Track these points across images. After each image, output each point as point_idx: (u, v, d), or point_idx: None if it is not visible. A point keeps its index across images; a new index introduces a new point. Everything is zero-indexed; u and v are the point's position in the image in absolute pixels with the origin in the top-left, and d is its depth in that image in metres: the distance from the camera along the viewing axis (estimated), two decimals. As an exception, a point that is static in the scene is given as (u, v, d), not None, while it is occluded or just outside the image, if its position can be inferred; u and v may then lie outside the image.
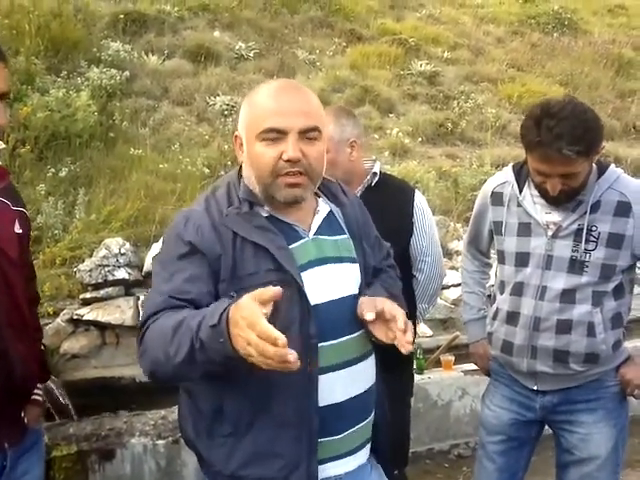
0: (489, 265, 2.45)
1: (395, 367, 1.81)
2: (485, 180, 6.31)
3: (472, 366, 3.92)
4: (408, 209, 2.31)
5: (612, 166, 2.04)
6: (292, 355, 1.08)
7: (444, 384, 3.76)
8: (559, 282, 2.00)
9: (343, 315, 1.48)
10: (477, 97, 8.78)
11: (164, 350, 1.26)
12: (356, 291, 1.52)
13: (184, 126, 6.22)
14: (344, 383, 1.47)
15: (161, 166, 5.36)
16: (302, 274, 1.41)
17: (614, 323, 2.03)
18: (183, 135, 6.05)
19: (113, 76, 6.34)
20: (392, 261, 1.76)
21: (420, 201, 2.34)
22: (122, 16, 7.65)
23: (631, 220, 1.95)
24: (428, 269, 2.37)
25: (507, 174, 2.16)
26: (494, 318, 2.18)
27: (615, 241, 1.96)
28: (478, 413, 3.64)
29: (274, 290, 1.12)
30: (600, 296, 1.99)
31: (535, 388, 2.13)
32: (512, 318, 2.10)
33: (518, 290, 2.08)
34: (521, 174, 2.10)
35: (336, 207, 1.58)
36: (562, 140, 1.79)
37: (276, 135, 1.40)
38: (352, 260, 1.54)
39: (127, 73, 6.57)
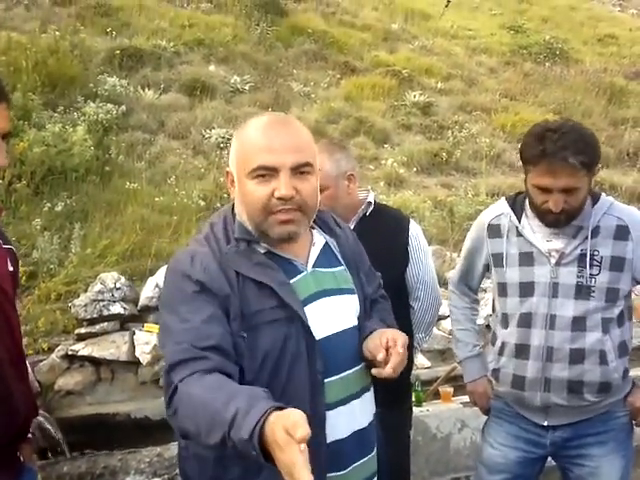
0: (477, 302, 2.42)
1: (395, 401, 1.80)
2: (481, 210, 6.31)
3: (471, 398, 3.91)
4: (403, 238, 2.31)
5: (603, 194, 2.07)
6: None
7: (443, 416, 3.70)
8: (568, 309, 1.98)
9: (346, 348, 1.47)
10: (471, 127, 8.87)
11: (196, 427, 1.23)
12: (356, 322, 1.52)
13: (180, 159, 6.26)
14: (348, 418, 1.46)
15: (157, 199, 5.38)
16: (305, 308, 1.41)
17: (621, 351, 2.02)
18: (179, 168, 6.08)
19: (109, 111, 6.39)
20: (383, 291, 1.75)
21: (415, 230, 2.34)
22: (118, 52, 7.75)
23: (630, 243, 1.97)
24: (424, 298, 2.36)
25: (502, 206, 2.15)
26: (500, 354, 2.13)
27: (617, 264, 1.96)
28: (478, 446, 3.61)
29: (304, 433, 1.05)
30: (608, 322, 1.98)
31: (545, 424, 2.09)
32: (522, 351, 2.06)
33: (525, 321, 2.04)
34: (516, 205, 2.10)
35: (331, 238, 1.57)
36: (567, 150, 1.82)
37: (267, 172, 1.38)
38: (350, 291, 1.53)
39: (123, 107, 6.63)
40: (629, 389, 2.08)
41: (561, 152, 1.83)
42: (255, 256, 1.42)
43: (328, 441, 1.41)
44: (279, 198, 1.37)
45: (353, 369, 1.48)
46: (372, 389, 1.56)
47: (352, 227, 2.27)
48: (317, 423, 1.36)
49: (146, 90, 7.40)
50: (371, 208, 2.31)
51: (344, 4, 12.04)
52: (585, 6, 18.15)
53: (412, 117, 8.79)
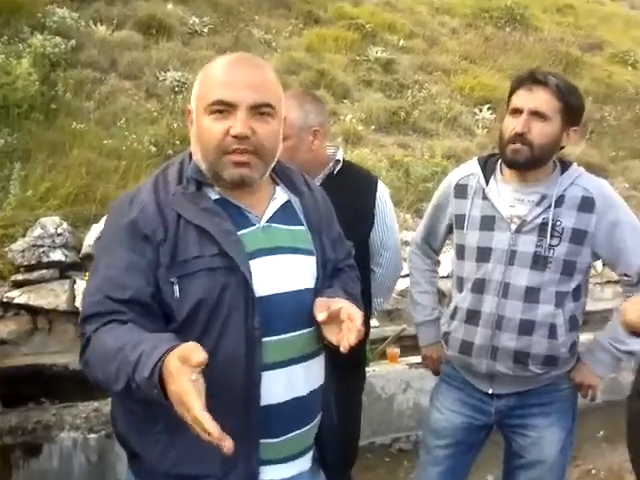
0: (439, 263, 2.40)
1: (348, 366, 1.76)
2: (437, 172, 6.25)
3: (417, 359, 3.95)
4: (370, 199, 2.22)
5: (574, 164, 2.04)
6: (227, 445, 1.04)
7: (389, 377, 3.74)
8: (522, 279, 1.95)
9: (293, 309, 1.39)
10: (430, 87, 8.80)
11: (104, 375, 1.23)
12: (311, 285, 1.44)
13: (132, 101, 5.97)
14: (287, 383, 1.39)
15: (105, 142, 5.12)
16: (250, 262, 1.33)
17: (572, 325, 2.02)
18: (130, 110, 5.79)
19: (58, 44, 6.02)
20: (352, 261, 1.67)
21: (382, 192, 2.26)
22: (68, -19, 7.27)
23: (594, 217, 1.94)
24: (386, 263, 2.30)
25: (472, 166, 2.11)
26: (452, 318, 2.11)
27: (578, 237, 1.94)
28: (420, 407, 3.67)
29: (201, 357, 1.05)
30: (562, 297, 1.97)
31: (490, 392, 2.09)
32: (472, 317, 2.04)
33: (479, 287, 2.02)
34: (487, 167, 2.07)
35: (295, 197, 1.50)
36: (553, 76, 1.91)
37: (224, 108, 1.31)
38: (308, 252, 1.45)
39: (73, 42, 6.25)
40: (574, 363, 2.09)
41: (545, 76, 1.90)
42: (203, 201, 1.35)
43: (262, 404, 1.35)
44: (234, 136, 1.31)
45: (297, 332, 1.40)
46: (322, 356, 1.49)
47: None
48: (250, 382, 1.33)
49: (98, 25, 6.99)
50: (339, 167, 2.21)
51: (310, -49, 11.62)
52: (548, -27, 18.13)
53: (373, 73, 8.64)
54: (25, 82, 5.10)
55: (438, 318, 2.27)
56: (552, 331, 1.97)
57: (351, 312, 1.31)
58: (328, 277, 1.51)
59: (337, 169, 2.21)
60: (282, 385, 1.38)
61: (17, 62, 5.23)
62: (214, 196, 1.38)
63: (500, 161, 2.07)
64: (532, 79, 1.92)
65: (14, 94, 5.03)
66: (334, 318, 1.33)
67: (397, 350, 3.84)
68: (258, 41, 8.14)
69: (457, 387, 2.19)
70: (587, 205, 1.94)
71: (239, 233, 1.35)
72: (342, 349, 1.27)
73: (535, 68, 2.04)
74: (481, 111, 8.85)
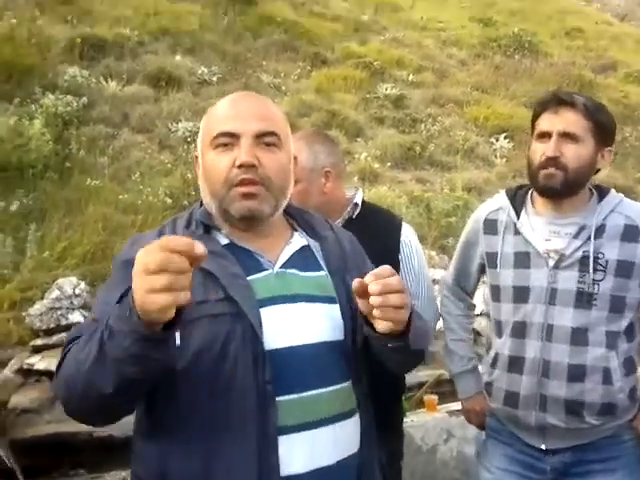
0: (473, 307, 2.22)
1: (385, 427, 1.58)
2: (459, 206, 6.07)
3: (457, 405, 3.73)
4: (393, 244, 2.04)
5: (613, 190, 1.88)
6: (197, 247, 0.96)
7: (428, 426, 3.52)
8: (566, 319, 1.77)
9: (314, 364, 1.22)
10: (444, 120, 8.74)
11: (76, 359, 1.10)
12: (336, 337, 1.27)
13: (145, 154, 5.96)
14: (308, 450, 1.19)
15: (120, 197, 5.09)
16: (261, 310, 1.20)
17: (628, 368, 1.82)
18: (144, 164, 5.78)
19: (69, 103, 6.06)
20: None
21: (408, 235, 2.08)
22: (79, 40, 7.39)
23: None
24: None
25: (501, 200, 1.96)
26: (493, 366, 1.93)
27: (624, 269, 1.76)
28: (465, 457, 3.45)
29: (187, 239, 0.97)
30: (614, 337, 1.79)
31: (543, 447, 1.88)
32: (515, 364, 1.85)
33: (520, 331, 1.84)
34: (516, 199, 1.92)
35: (315, 242, 1.36)
36: (577, 95, 1.80)
37: (228, 140, 1.25)
38: (329, 300, 1.29)
39: (85, 99, 6.32)
40: (637, 411, 1.88)
41: (570, 96, 1.79)
42: (210, 244, 1.22)
43: (282, 474, 1.16)
44: (240, 166, 1.23)
45: (321, 389, 1.22)
46: (356, 419, 1.29)
47: None
48: (266, 447, 1.15)
49: (109, 81, 7.06)
50: (357, 210, 2.06)
51: (314, -6, 11.78)
52: (552, -1, 18.25)
53: (384, 110, 8.62)
54: (38, 142, 5.11)
55: (476, 367, 2.09)
56: (606, 376, 1.77)
57: (378, 272, 1.11)
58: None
59: (356, 213, 2.05)
60: (303, 452, 1.19)
61: (30, 123, 5.26)
62: (223, 240, 1.29)
63: (531, 192, 1.92)
64: (557, 100, 1.79)
65: (28, 155, 5.03)
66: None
67: (435, 397, 3.63)
68: (267, 86, 8.16)
69: (505, 442, 1.97)
70: (631, 234, 1.77)
71: (249, 278, 1.23)
72: (379, 328, 1.11)
73: (557, 89, 1.94)
74: (498, 140, 8.74)
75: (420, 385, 3.83)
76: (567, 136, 1.76)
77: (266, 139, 1.26)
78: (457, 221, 5.77)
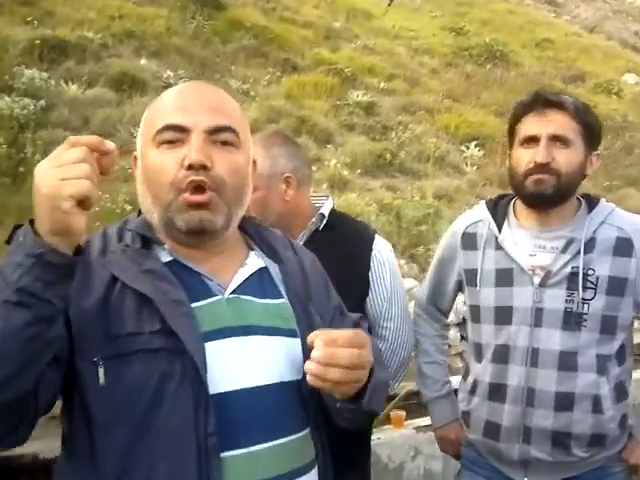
0: (448, 327, 2.06)
1: (350, 463, 1.39)
2: (429, 214, 5.90)
3: (425, 421, 3.57)
4: (363, 260, 1.83)
5: (603, 199, 1.72)
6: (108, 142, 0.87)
7: (395, 444, 3.35)
8: (554, 342, 1.61)
9: (266, 411, 1.03)
10: (415, 127, 8.67)
11: None
12: (295, 376, 1.07)
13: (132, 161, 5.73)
14: None
15: (76, 203, 4.85)
16: (206, 345, 0.99)
17: (619, 395, 1.66)
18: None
19: (26, 105, 5.82)
20: (366, 325, 1.36)
21: (381, 249, 1.86)
22: (39, 42, 7.16)
23: (633, 260, 1.61)
24: (392, 337, 1.87)
25: (480, 211, 1.79)
26: (472, 393, 1.76)
27: (617, 286, 1.61)
28: (432, 474, 3.30)
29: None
30: (605, 360, 1.63)
31: None
32: (497, 392, 1.68)
33: (502, 355, 1.67)
34: (497, 211, 1.75)
35: (273, 263, 1.16)
36: (563, 95, 1.66)
37: (176, 135, 1.03)
38: (289, 333, 1.09)
39: (43, 102, 6.08)
40: (626, 441, 1.72)
41: (558, 96, 1.63)
42: (149, 261, 1.04)
43: None
44: (188, 167, 1.01)
45: (277, 441, 1.03)
46: (315, 470, 1.10)
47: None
48: None
49: (69, 84, 6.83)
50: (324, 221, 1.84)
51: (285, 0, 11.68)
52: (523, 10, 18.49)
53: (355, 117, 8.53)
54: (-10, 146, 4.87)
55: (451, 392, 1.92)
56: (596, 404, 1.62)
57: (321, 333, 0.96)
58: None
59: (322, 224, 1.85)
60: None
61: (-19, 126, 5.01)
62: (165, 258, 1.06)
63: (513, 203, 1.76)
64: (544, 101, 1.63)
65: (-22, 159, 4.78)
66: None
67: (402, 413, 3.47)
68: (236, 91, 7.99)
69: (483, 475, 1.79)
70: (624, 247, 1.61)
71: (194, 305, 1.02)
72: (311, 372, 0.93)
73: (540, 89, 1.75)
74: (468, 148, 8.71)
75: (387, 399, 3.67)
76: (557, 139, 1.60)
77: (221, 136, 1.05)
78: (427, 229, 5.66)
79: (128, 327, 0.97)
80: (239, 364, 1.02)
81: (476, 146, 8.71)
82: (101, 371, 0.96)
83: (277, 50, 9.59)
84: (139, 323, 0.98)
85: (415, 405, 3.57)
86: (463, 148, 8.77)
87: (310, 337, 0.95)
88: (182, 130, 1.02)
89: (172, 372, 0.97)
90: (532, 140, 1.61)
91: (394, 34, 12.76)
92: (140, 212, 1.12)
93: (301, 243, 1.79)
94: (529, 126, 1.62)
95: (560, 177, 1.59)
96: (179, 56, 8.24)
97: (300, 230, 1.81)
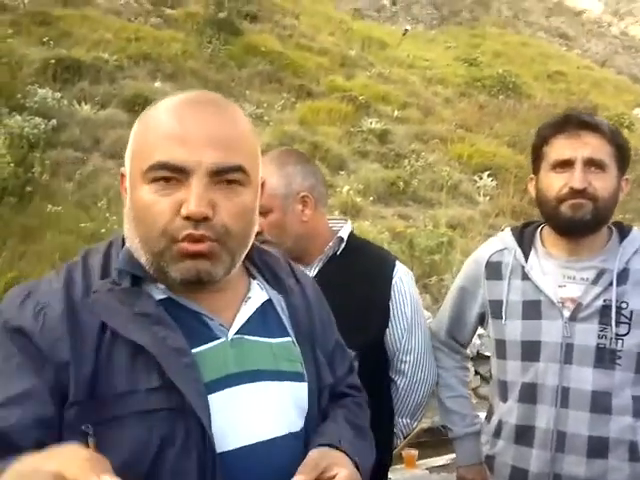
0: (469, 359, 1.94)
1: None
2: (442, 243, 5.73)
3: (439, 461, 3.42)
4: (383, 287, 1.70)
5: (635, 229, 1.62)
6: None
7: (407, 486, 3.21)
8: (586, 381, 1.51)
9: (275, 468, 0.91)
10: (428, 156, 8.61)
11: None
12: (299, 426, 0.97)
13: (114, 180, 5.63)
14: None
15: (83, 225, 4.77)
16: (210, 397, 0.87)
17: None
18: (112, 190, 5.46)
19: (37, 125, 5.78)
20: (356, 379, 1.20)
21: (402, 277, 1.73)
22: (53, 62, 7.16)
23: None
24: (412, 370, 1.75)
25: (505, 239, 1.69)
26: (496, 436, 1.64)
27: None
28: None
29: None
30: None
31: None
32: (524, 435, 1.57)
33: (529, 394, 1.56)
34: (524, 239, 1.65)
35: (278, 294, 1.04)
36: (594, 116, 1.56)
37: (172, 175, 0.87)
38: (297, 377, 0.98)
39: (54, 122, 6.03)
40: None
41: (592, 117, 1.54)
42: (141, 302, 0.89)
43: None
44: (186, 217, 0.86)
45: None
46: None
47: (316, 271, 1.69)
48: None
49: (82, 104, 6.81)
50: (342, 246, 1.72)
51: (301, 27, 11.76)
52: (535, 43, 18.55)
53: (368, 144, 8.47)
54: (-2, 164, 4.81)
55: (480, 431, 1.77)
56: (633, 451, 1.49)
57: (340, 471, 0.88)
58: (325, 410, 1.04)
59: (340, 248, 1.74)
60: None
61: (-10, 143, 4.96)
62: (158, 295, 0.92)
63: (540, 230, 1.65)
64: (577, 122, 1.53)
65: (-16, 177, 4.72)
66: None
67: (415, 452, 3.32)
68: (250, 116, 7.96)
69: None
70: None
71: (195, 351, 0.89)
72: None
73: (571, 110, 1.66)
74: (481, 178, 8.61)
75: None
76: (593, 164, 1.50)
77: (228, 176, 0.89)
78: (440, 259, 5.53)
79: (120, 385, 0.85)
80: (246, 417, 0.91)
81: (489, 176, 8.63)
82: (91, 441, 0.82)
83: (292, 76, 9.59)
84: (133, 379, 0.85)
85: (428, 443, 3.43)
86: (476, 178, 8.68)
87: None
88: (180, 171, 0.87)
89: (174, 435, 0.85)
90: (566, 164, 1.51)
91: (408, 63, 12.80)
92: (123, 238, 0.97)
93: (318, 268, 1.68)
94: (561, 149, 1.53)
95: (597, 203, 1.49)
96: (194, 79, 8.23)
97: (317, 254, 1.69)
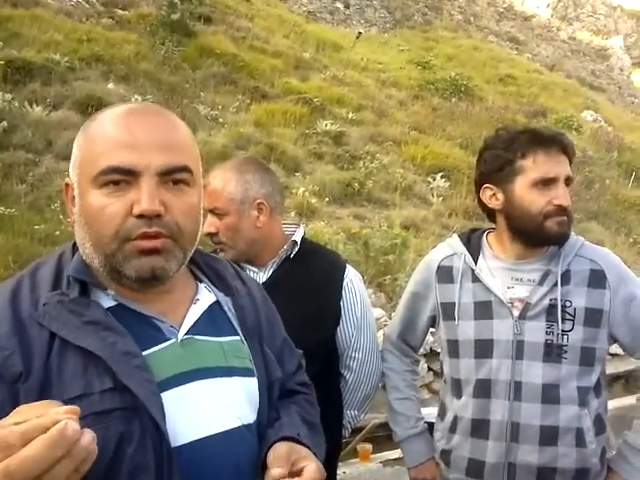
0: (418, 362, 2.00)
1: None
2: (396, 243, 5.83)
3: (392, 454, 3.51)
4: (335, 288, 1.81)
5: (572, 233, 1.71)
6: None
7: (362, 478, 3.29)
8: (536, 375, 1.60)
9: (228, 458, 0.97)
10: (382, 158, 8.74)
11: None
12: (251, 419, 1.02)
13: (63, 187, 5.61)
14: None
15: (37, 227, 4.72)
16: (163, 395, 0.92)
17: (599, 428, 1.64)
18: (66, 193, 5.43)
19: (-13, 126, 5.67)
20: (305, 376, 1.26)
21: (352, 279, 1.85)
22: (3, 63, 7.02)
23: (607, 292, 1.61)
24: (359, 367, 1.85)
25: (454, 244, 1.78)
26: (452, 431, 1.70)
27: (593, 318, 1.60)
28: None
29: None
30: (585, 393, 1.61)
31: None
32: (480, 428, 1.64)
33: (484, 390, 1.64)
34: (471, 243, 1.74)
35: (225, 296, 1.09)
36: (560, 134, 1.63)
37: (122, 178, 0.92)
38: (246, 372, 1.04)
39: (4, 124, 5.94)
40: (605, 475, 1.69)
41: (557, 135, 1.61)
42: (90, 310, 0.93)
43: None
44: (139, 216, 0.92)
45: None
46: None
47: (269, 273, 1.78)
48: None
49: (34, 106, 6.70)
50: (296, 249, 1.81)
51: (255, 29, 11.79)
52: (487, 47, 18.98)
53: (324, 146, 8.56)
54: (-54, 167, 4.72)
55: (425, 429, 1.87)
56: (579, 437, 1.58)
57: (311, 471, 0.94)
58: (276, 405, 1.10)
59: (294, 252, 1.82)
60: None
61: (-62, 147, 4.86)
62: (107, 303, 0.96)
63: (486, 236, 1.75)
64: (557, 141, 1.61)
65: None
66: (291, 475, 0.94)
67: (369, 446, 3.41)
68: (204, 118, 7.97)
69: None
70: (598, 279, 1.62)
71: (146, 353, 0.93)
72: None
73: (541, 127, 1.74)
74: (435, 180, 8.79)
75: (353, 432, 3.60)
76: (567, 181, 1.60)
77: (175, 176, 0.95)
78: (395, 259, 5.65)
79: (75, 389, 0.88)
80: (199, 411, 0.96)
81: (442, 177, 8.82)
82: None
83: (246, 78, 9.61)
84: (87, 383, 0.89)
85: (382, 438, 3.52)
86: (429, 179, 8.86)
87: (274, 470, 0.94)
88: (131, 173, 0.92)
89: (130, 433, 0.89)
90: (549, 182, 1.58)
91: (362, 66, 12.94)
92: (73, 248, 1.01)
93: (272, 270, 1.77)
94: (546, 168, 1.59)
95: (569, 216, 1.60)
96: (148, 81, 8.18)
97: (270, 257, 1.78)
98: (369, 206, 7.63)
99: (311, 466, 0.96)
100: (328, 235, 5.79)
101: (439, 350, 4.83)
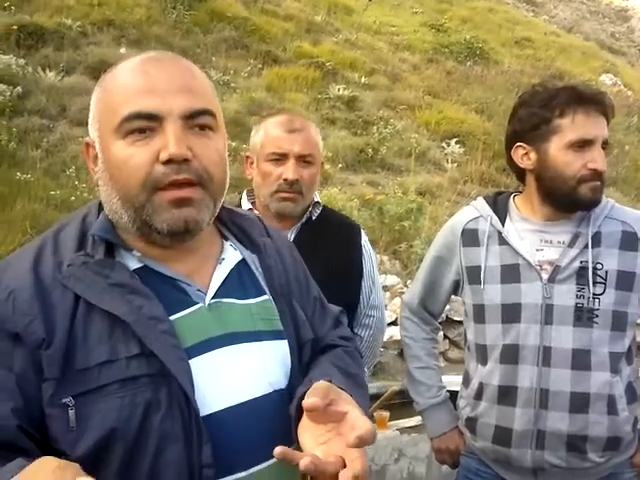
0: (439, 330, 1.98)
1: None
2: (411, 209, 5.79)
3: (409, 422, 3.55)
4: (356, 247, 1.84)
5: (603, 196, 1.68)
6: None
7: (378, 446, 3.30)
8: (566, 340, 1.56)
9: (260, 427, 0.93)
10: (396, 123, 8.63)
11: None
12: (283, 384, 0.98)
13: (82, 148, 5.61)
14: None
15: (53, 193, 4.74)
16: (191, 362, 0.89)
17: (631, 396, 1.62)
18: (81, 158, 5.40)
19: (2, 92, 5.67)
20: (347, 331, 1.20)
21: (366, 240, 1.89)
22: (16, 28, 6.96)
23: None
24: (375, 324, 1.89)
25: (480, 207, 1.73)
26: (478, 398, 1.67)
27: (625, 281, 1.56)
28: (415, 477, 3.27)
29: None
30: (617, 359, 1.58)
31: None
32: (507, 395, 1.60)
33: (511, 356, 1.60)
34: (498, 206, 1.70)
35: (251, 254, 1.06)
36: (601, 93, 1.56)
37: (146, 124, 0.89)
38: (276, 335, 1.00)
39: (19, 89, 5.92)
40: (637, 446, 1.66)
41: (598, 94, 1.54)
42: (115, 272, 0.90)
43: None
44: (167, 162, 0.88)
45: (270, 461, 0.92)
46: None
47: (294, 234, 1.79)
48: None
49: (47, 71, 6.66)
50: (319, 210, 1.81)
51: (266, -8, 11.56)
52: (502, 9, 18.54)
53: (336, 111, 8.46)
54: (-38, 132, 4.73)
55: (447, 398, 1.85)
56: (611, 405, 1.55)
57: (361, 433, 0.79)
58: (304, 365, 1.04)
59: (316, 213, 1.82)
60: None
61: (-46, 112, 4.86)
62: (133, 264, 0.94)
63: (513, 198, 1.72)
64: (597, 101, 1.55)
65: (-51, 146, 4.64)
66: (328, 418, 0.85)
67: (386, 414, 3.42)
68: (216, 82, 7.88)
69: None
70: (630, 242, 1.58)
71: (173, 318, 0.91)
72: (302, 467, 0.78)
73: (578, 83, 1.63)
74: (449, 145, 8.70)
75: (371, 399, 3.63)
76: (604, 144, 1.56)
77: (199, 120, 0.91)
78: (410, 225, 5.63)
79: (100, 355, 0.86)
80: (229, 378, 0.93)
81: (457, 143, 8.72)
82: (71, 413, 0.84)
83: (258, 42, 9.47)
84: (112, 349, 0.86)
85: (399, 405, 3.55)
86: (444, 145, 8.77)
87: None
88: (153, 118, 0.89)
89: (157, 400, 0.86)
90: (586, 144, 1.53)
91: (375, 29, 12.71)
92: (99, 207, 0.98)
93: (296, 231, 1.78)
94: (585, 128, 1.53)
95: (603, 181, 1.56)
96: (159, 45, 8.07)
97: (299, 218, 1.79)
98: (383, 172, 7.58)
99: (355, 412, 0.84)
100: (342, 201, 5.77)
101: (455, 318, 4.87)
